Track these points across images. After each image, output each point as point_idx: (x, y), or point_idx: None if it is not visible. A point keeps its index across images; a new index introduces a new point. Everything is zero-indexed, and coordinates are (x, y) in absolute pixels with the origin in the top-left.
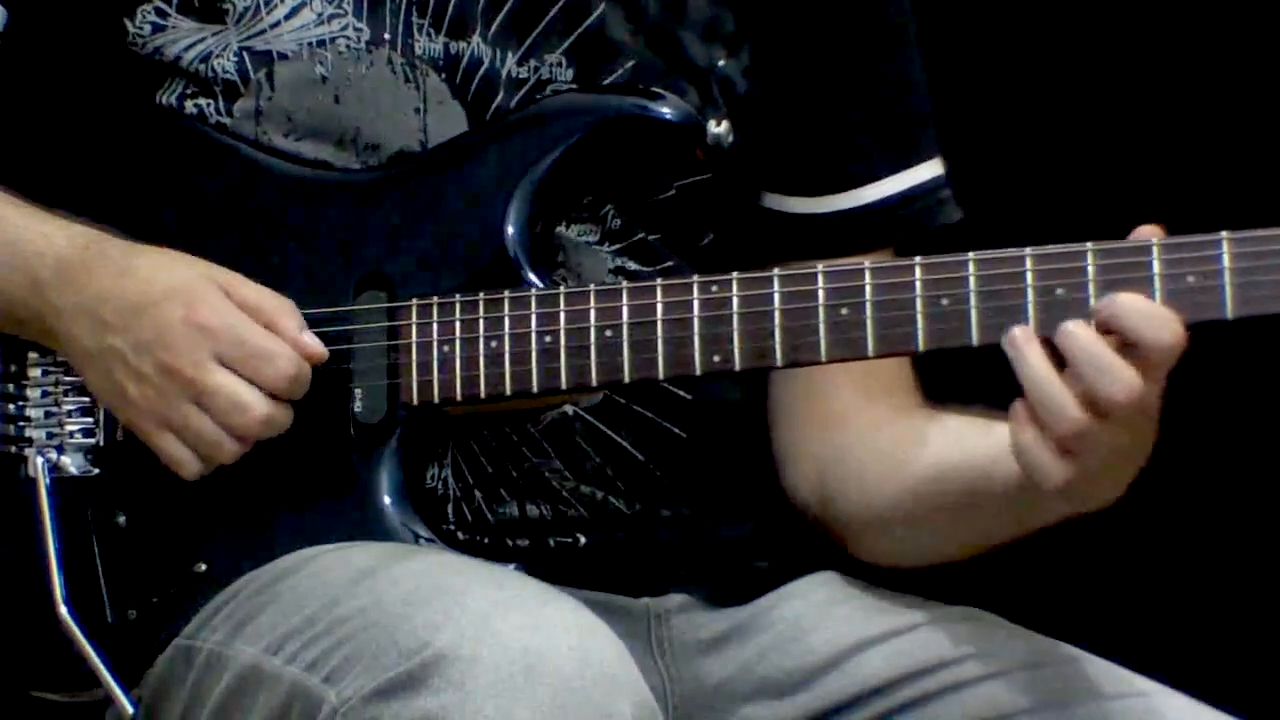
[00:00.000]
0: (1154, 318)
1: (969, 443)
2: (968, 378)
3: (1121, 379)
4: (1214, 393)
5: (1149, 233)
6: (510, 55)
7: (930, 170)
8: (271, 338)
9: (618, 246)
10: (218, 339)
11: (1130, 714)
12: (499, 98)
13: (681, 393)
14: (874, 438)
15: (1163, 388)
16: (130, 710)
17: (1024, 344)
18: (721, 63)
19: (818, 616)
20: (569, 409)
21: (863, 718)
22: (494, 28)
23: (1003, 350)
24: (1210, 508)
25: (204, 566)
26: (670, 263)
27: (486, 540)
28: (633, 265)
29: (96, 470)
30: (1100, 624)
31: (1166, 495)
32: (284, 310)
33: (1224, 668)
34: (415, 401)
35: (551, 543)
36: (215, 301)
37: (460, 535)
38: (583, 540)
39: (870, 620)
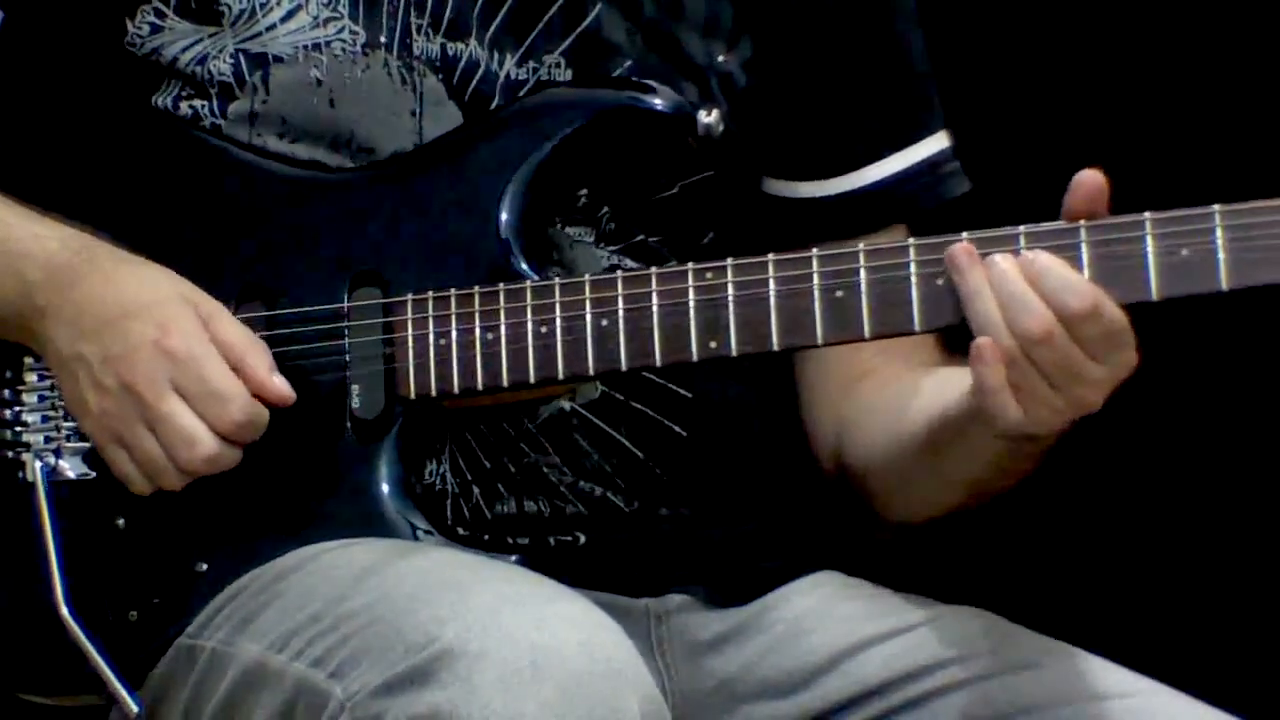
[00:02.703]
0: (1069, 286)
1: (946, 386)
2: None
3: (1032, 308)
4: (1212, 392)
5: (1089, 180)
6: (509, 57)
7: (936, 144)
8: (231, 380)
9: (615, 248)
10: (178, 368)
11: (1130, 713)
12: (496, 100)
13: (681, 390)
14: (883, 393)
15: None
16: (136, 709)
17: (967, 266)
18: (720, 58)
19: (818, 616)
20: (566, 405)
21: (862, 717)
22: (491, 30)
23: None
24: (1210, 508)
25: (204, 566)
26: (669, 263)
27: (486, 537)
28: (630, 264)
29: (94, 473)
30: (1100, 624)
31: (1166, 495)
32: (255, 351)
33: (1224, 668)
34: (412, 395)
35: (551, 541)
36: (189, 330)
37: (460, 531)
38: (582, 539)
39: (870, 620)
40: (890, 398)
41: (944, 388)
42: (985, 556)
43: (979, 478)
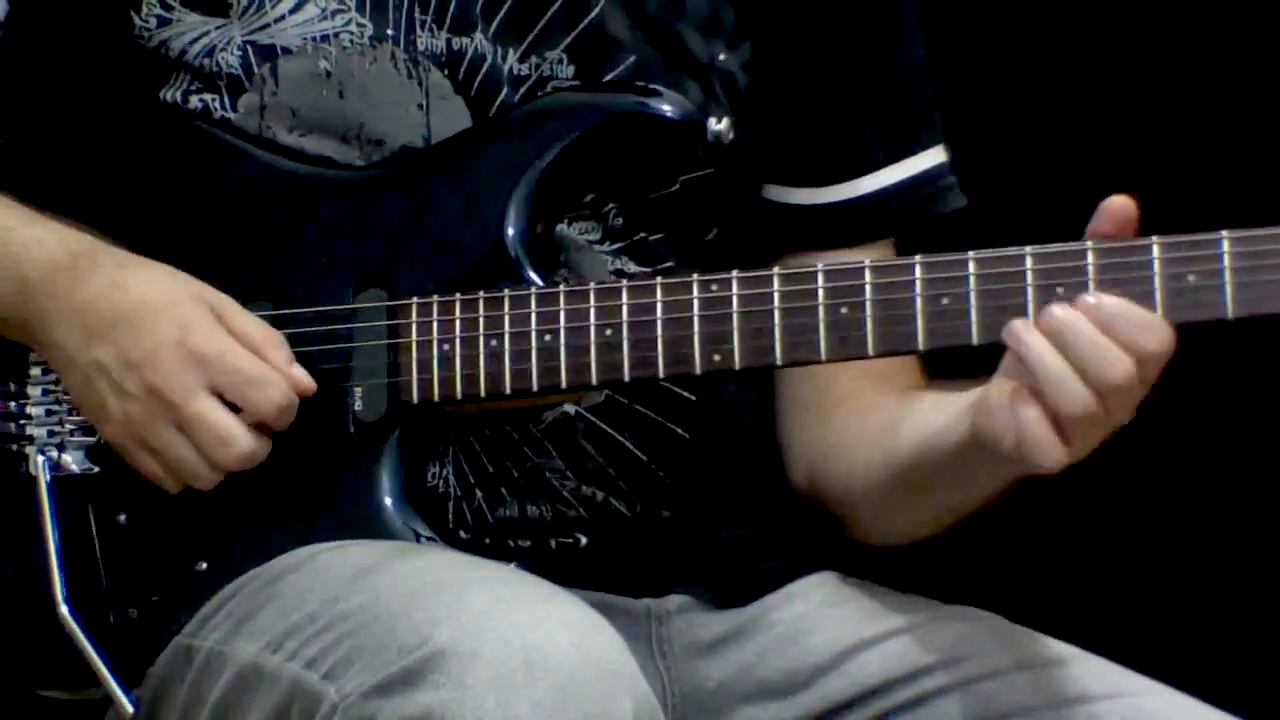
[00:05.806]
0: (1147, 326)
1: (937, 414)
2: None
3: (1117, 360)
4: (1214, 393)
5: (1119, 206)
6: (512, 52)
7: (933, 158)
8: (264, 366)
9: (619, 246)
10: (210, 366)
11: (1130, 713)
12: (503, 94)
13: (684, 393)
14: (861, 422)
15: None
16: (130, 709)
17: (1024, 332)
18: (722, 57)
19: (817, 617)
20: (570, 408)
21: (862, 717)
22: (495, 25)
23: (1003, 347)
24: (1210, 508)
25: (204, 565)
26: (670, 263)
27: (488, 541)
28: (633, 267)
29: (97, 468)
30: (1100, 624)
31: (1166, 495)
32: (273, 341)
33: (1224, 668)
34: (415, 400)
35: (552, 543)
36: (208, 328)
37: (462, 535)
38: (584, 541)
39: (869, 621)
40: (874, 425)
41: (934, 415)
42: (985, 556)
43: (972, 503)
